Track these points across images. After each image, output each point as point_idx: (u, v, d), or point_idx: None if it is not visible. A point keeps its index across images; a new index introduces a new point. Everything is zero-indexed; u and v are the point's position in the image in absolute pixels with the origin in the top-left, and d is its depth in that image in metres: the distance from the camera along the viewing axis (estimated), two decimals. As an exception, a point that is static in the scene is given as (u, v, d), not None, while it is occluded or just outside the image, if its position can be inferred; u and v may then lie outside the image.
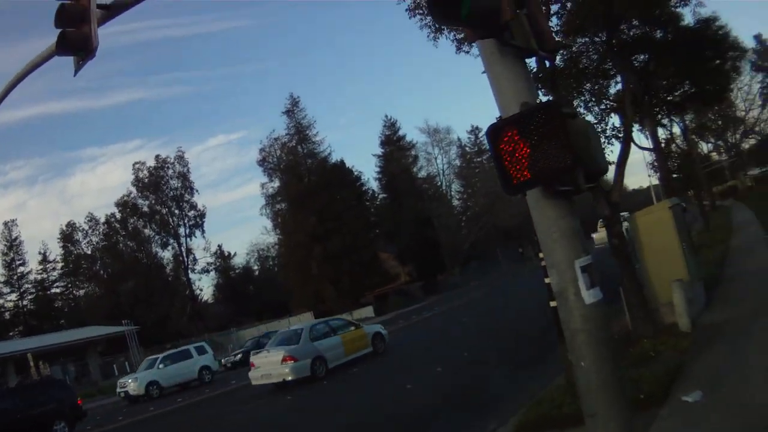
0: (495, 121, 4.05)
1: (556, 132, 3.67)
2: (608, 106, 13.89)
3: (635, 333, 10.17)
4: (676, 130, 44.51)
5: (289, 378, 18.02)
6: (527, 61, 4.84)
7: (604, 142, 11.26)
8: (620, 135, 11.50)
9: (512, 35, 4.05)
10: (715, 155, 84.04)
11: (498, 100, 4.27)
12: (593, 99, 13.43)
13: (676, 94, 21.92)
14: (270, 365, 18.41)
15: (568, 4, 11.23)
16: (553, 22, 11.46)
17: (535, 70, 12.28)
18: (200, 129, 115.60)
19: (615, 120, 13.41)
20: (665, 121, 28.90)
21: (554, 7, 11.42)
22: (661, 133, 36.25)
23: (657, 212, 11.65)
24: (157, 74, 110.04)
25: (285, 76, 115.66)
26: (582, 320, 4.05)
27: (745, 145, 71.83)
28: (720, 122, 61.30)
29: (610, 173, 11.88)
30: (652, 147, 21.97)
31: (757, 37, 72.26)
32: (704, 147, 74.89)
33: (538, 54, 4.33)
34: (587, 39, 12.35)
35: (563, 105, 3.95)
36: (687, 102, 22.85)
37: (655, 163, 22.35)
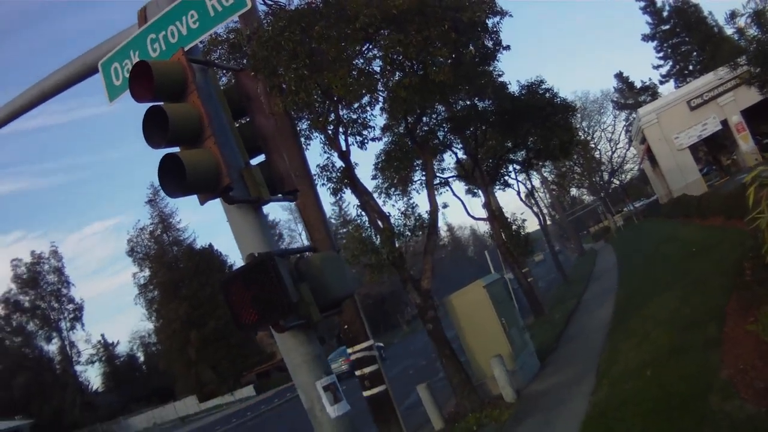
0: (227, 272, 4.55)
1: (271, 280, 4.24)
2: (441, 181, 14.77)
3: (462, 408, 10.76)
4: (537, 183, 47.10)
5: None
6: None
7: (408, 234, 11.80)
8: (425, 225, 12.14)
9: (245, 187, 4.65)
10: (586, 198, 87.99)
11: (239, 247, 4.81)
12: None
13: (520, 153, 23.53)
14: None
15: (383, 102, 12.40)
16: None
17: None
18: (77, 217, 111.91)
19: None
20: (513, 180, 30.38)
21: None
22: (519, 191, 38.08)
23: (471, 293, 11.94)
24: (32, 164, 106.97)
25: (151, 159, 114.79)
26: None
27: (615, 185, 72.84)
28: (583, 166, 64.10)
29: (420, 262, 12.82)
30: (486, 216, 22.78)
31: (618, 76, 73.65)
32: (573, 192, 78.75)
33: (270, 200, 4.89)
34: (402, 127, 13.55)
35: (277, 254, 4.48)
36: (534, 159, 24.57)
37: (491, 232, 23.34)
